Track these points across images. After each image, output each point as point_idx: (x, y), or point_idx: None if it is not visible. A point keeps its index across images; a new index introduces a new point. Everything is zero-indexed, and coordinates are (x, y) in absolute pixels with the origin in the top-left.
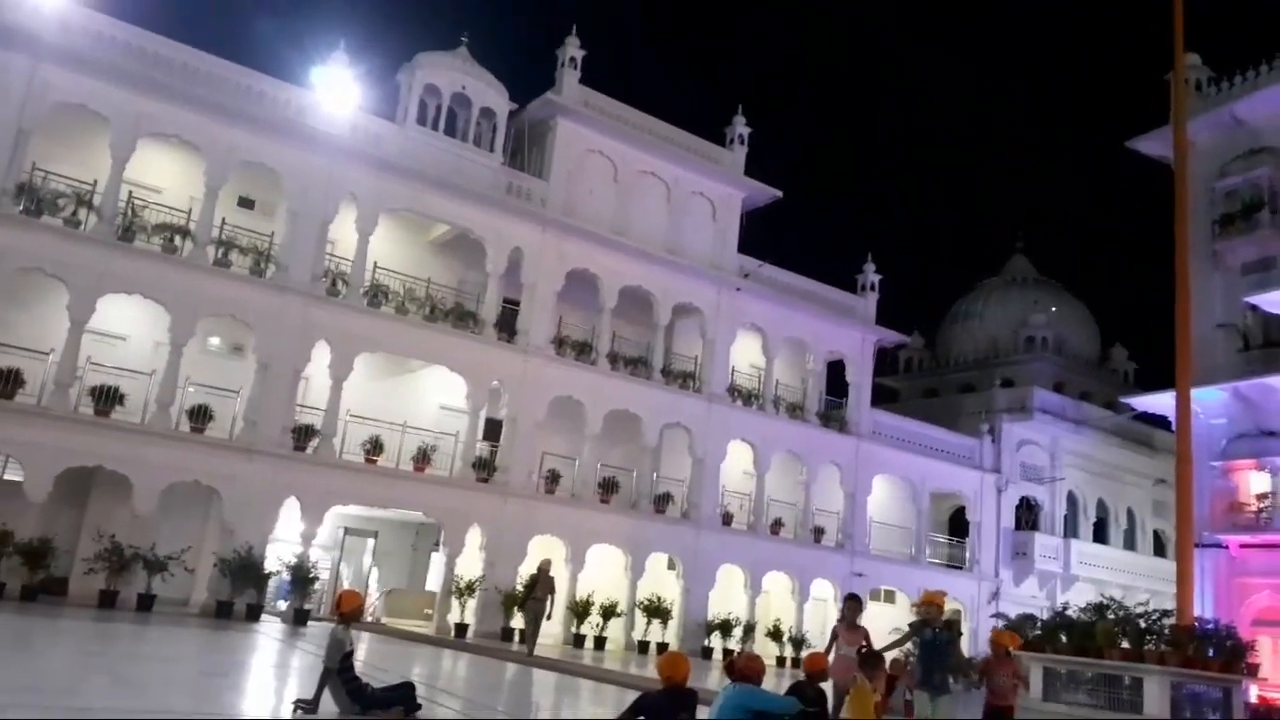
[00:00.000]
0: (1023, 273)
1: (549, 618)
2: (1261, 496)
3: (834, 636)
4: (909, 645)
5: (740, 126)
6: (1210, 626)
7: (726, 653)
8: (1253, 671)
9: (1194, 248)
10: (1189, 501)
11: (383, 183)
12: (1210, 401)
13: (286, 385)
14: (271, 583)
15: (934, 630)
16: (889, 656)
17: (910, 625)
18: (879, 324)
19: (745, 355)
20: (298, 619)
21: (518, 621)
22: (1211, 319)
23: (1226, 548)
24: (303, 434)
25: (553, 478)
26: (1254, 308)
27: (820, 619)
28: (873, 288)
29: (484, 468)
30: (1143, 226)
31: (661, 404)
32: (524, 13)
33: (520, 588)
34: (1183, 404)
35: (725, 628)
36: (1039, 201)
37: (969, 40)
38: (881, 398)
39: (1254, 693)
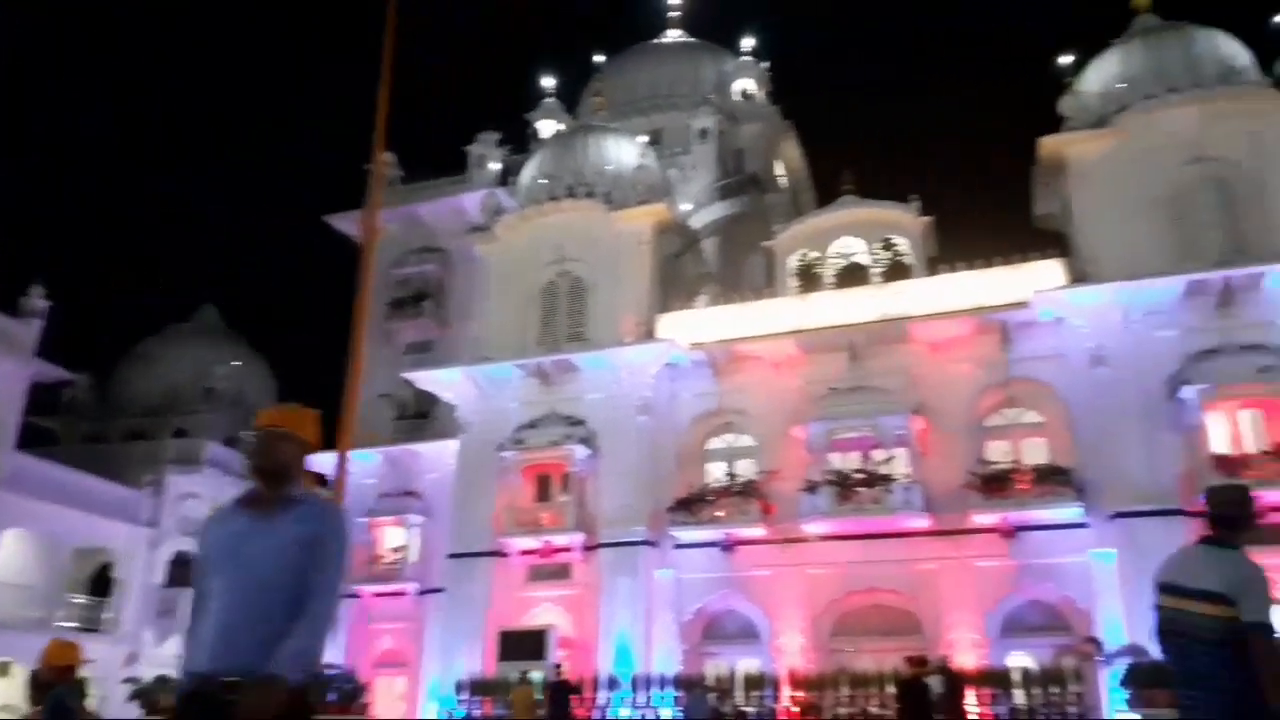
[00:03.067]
0: (212, 323)
1: None
2: (397, 550)
3: None
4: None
5: None
6: (336, 672)
7: None
8: (365, 710)
9: (370, 323)
10: None
11: None
12: (366, 463)
13: None
14: None
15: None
16: None
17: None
18: (42, 357)
19: None
20: None
21: None
22: (376, 389)
23: (361, 597)
24: None
25: None
26: (410, 383)
27: None
28: (39, 315)
29: None
30: (331, 297)
31: None
32: None
33: None
34: (342, 464)
35: None
36: (238, 255)
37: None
38: (39, 441)
39: None
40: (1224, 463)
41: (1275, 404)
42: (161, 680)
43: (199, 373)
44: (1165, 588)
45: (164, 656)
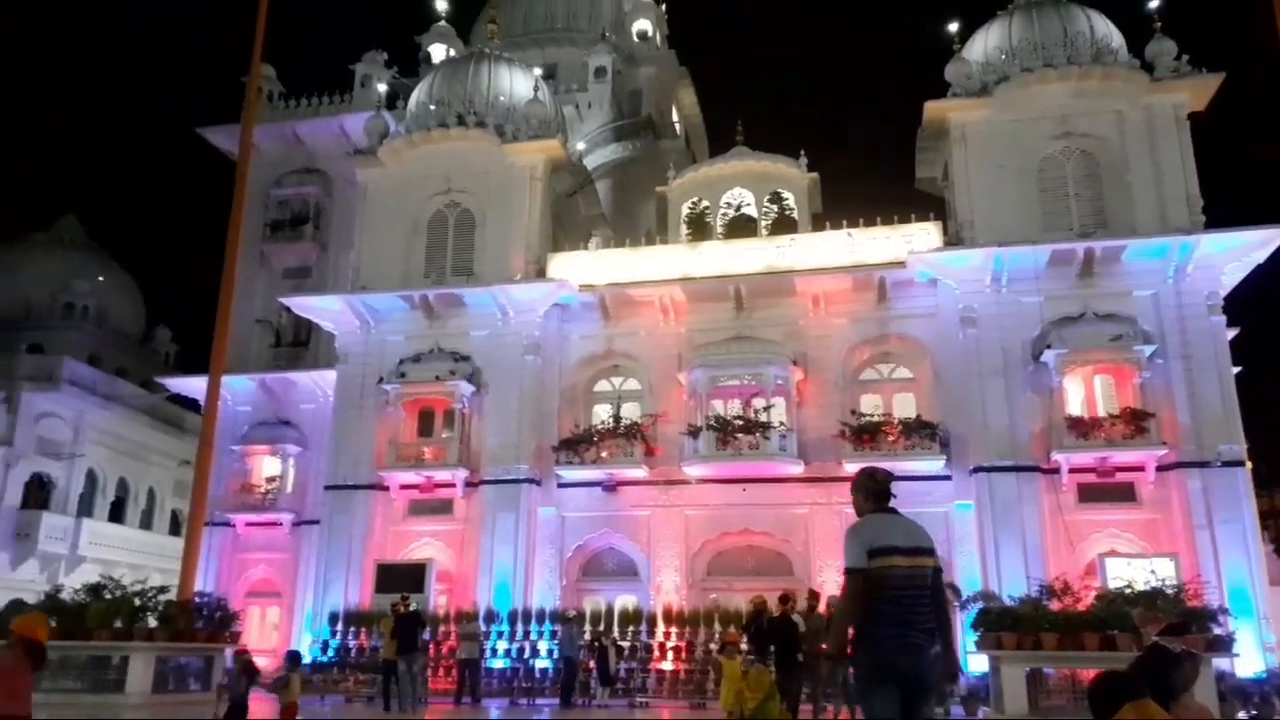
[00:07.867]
0: (71, 234)
1: None
2: (270, 479)
3: None
4: None
5: None
6: (205, 600)
7: None
8: (235, 639)
9: (245, 244)
10: (205, 482)
11: None
12: (240, 389)
13: None
14: None
15: None
16: None
17: None
18: None
19: None
20: None
21: None
22: (252, 313)
23: (234, 526)
24: None
25: None
26: (289, 309)
27: None
28: None
29: None
30: (203, 213)
31: None
32: None
33: None
34: (213, 390)
35: None
36: (103, 163)
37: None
38: None
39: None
40: (1077, 424)
41: (1125, 371)
42: (17, 604)
43: (57, 286)
44: (895, 550)
45: (18, 580)
